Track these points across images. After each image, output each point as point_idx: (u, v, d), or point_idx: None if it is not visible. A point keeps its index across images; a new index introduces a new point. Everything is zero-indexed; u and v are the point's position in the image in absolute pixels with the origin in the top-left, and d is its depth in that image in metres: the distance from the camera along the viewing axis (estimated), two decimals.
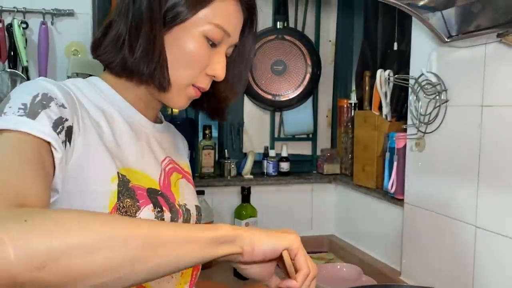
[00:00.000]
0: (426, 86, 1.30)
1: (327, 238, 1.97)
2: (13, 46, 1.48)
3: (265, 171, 1.93)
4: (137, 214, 0.71)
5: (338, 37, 2.07)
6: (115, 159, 0.72)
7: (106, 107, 0.76)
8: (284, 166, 1.93)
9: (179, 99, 0.79)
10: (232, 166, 1.85)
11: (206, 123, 1.88)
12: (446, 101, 1.23)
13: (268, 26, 1.92)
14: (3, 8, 1.50)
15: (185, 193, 0.86)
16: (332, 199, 2.00)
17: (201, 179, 1.82)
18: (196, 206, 0.88)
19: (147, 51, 0.72)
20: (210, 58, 0.77)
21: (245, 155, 1.94)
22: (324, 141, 2.09)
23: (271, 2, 1.95)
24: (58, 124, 0.64)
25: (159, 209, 0.74)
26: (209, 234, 0.57)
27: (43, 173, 0.60)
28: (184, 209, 0.82)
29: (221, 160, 1.89)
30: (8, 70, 1.49)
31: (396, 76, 1.48)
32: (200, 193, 1.70)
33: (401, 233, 1.45)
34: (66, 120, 0.65)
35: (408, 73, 1.39)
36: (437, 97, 1.25)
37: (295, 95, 1.88)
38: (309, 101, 1.99)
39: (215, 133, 1.96)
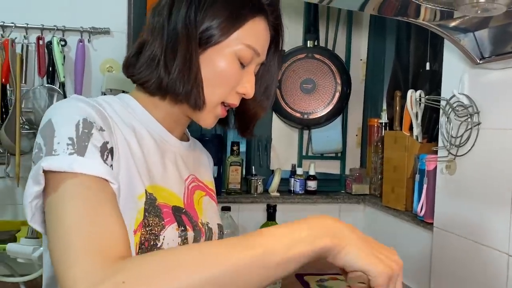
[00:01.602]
0: (457, 108, 1.27)
1: None
2: (51, 62, 1.55)
3: (292, 189, 1.92)
4: (161, 233, 0.72)
5: (369, 56, 2.06)
6: (142, 176, 0.73)
7: (136, 124, 0.77)
8: (312, 184, 1.92)
9: (209, 117, 0.80)
10: (259, 183, 1.85)
11: (234, 139, 1.89)
12: (478, 124, 1.19)
13: (299, 45, 1.93)
14: (44, 27, 1.57)
15: (208, 211, 0.87)
16: (360, 220, 1.96)
17: (227, 195, 1.83)
18: (218, 224, 0.88)
19: (183, 71, 0.74)
20: (240, 76, 0.79)
21: (273, 172, 1.93)
22: (353, 160, 2.07)
23: (302, 22, 1.96)
24: (103, 151, 0.66)
25: (183, 228, 0.75)
26: (310, 248, 0.57)
27: (116, 208, 0.63)
28: (206, 228, 0.83)
29: (248, 176, 1.89)
30: (46, 85, 1.56)
31: (427, 96, 1.45)
32: (226, 209, 1.71)
33: (430, 257, 1.41)
34: (107, 142, 0.67)
35: (439, 94, 1.37)
36: (469, 119, 1.22)
37: (324, 113, 1.87)
38: (338, 120, 1.97)
39: (243, 150, 1.97)
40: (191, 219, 0.79)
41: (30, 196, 0.62)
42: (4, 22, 1.54)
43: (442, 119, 1.34)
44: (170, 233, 0.72)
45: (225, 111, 0.82)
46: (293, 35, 1.94)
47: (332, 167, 2.06)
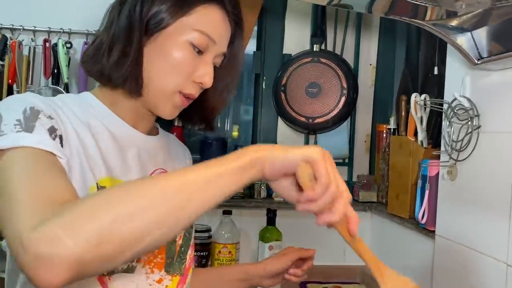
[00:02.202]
0: (459, 111, 1.22)
1: (360, 269, 1.88)
2: (57, 64, 1.58)
3: None
4: None
5: (379, 61, 2.02)
6: (95, 170, 0.73)
7: (92, 121, 0.77)
8: None
9: (165, 107, 0.80)
10: (262, 187, 1.83)
11: (238, 143, 1.88)
12: (479, 127, 1.15)
13: (306, 49, 1.91)
14: (51, 29, 1.61)
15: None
16: (367, 228, 1.91)
17: (230, 198, 1.81)
18: None
19: (121, 57, 0.74)
20: (197, 65, 0.78)
21: None
22: (361, 167, 2.02)
23: (309, 26, 1.95)
24: (52, 132, 0.67)
25: None
26: (235, 165, 0.60)
27: (62, 173, 0.63)
28: None
29: None
30: (51, 86, 1.59)
31: (428, 100, 1.41)
32: (227, 212, 1.70)
33: (432, 267, 1.35)
34: (56, 129, 0.68)
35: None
36: (469, 122, 1.17)
37: (329, 117, 1.84)
38: (345, 125, 1.93)
39: None
40: None
41: None
42: (13, 25, 1.59)
43: (444, 123, 1.29)
44: None
45: (185, 101, 0.80)
46: (300, 39, 1.93)
47: (340, 173, 2.01)
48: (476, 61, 1.07)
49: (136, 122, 0.83)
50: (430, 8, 0.95)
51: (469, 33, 1.06)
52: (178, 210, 0.56)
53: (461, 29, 1.06)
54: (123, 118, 0.81)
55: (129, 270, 0.77)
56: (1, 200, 0.58)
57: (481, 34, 1.04)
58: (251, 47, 1.97)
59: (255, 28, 1.94)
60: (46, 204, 0.55)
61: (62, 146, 0.68)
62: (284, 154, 0.61)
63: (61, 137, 0.68)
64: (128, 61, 0.74)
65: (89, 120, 0.77)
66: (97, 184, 0.73)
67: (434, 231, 1.34)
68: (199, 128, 0.95)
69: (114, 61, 0.74)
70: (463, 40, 1.06)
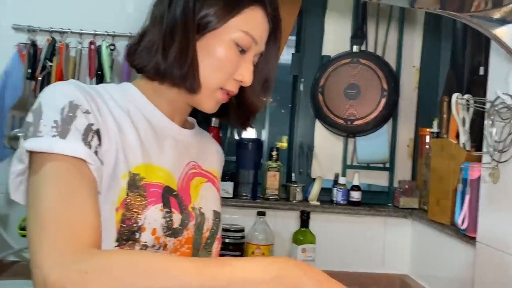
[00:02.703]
0: (501, 110, 1.15)
1: (399, 278, 1.80)
2: (101, 65, 1.65)
3: (334, 199, 1.84)
4: (143, 212, 0.73)
5: (423, 62, 1.95)
6: (132, 156, 0.75)
7: (132, 108, 0.79)
8: (355, 195, 1.83)
9: (208, 102, 0.82)
10: (298, 190, 1.81)
11: (274, 144, 1.87)
12: None
13: (346, 50, 1.88)
14: (96, 32, 1.69)
15: (205, 198, 0.86)
16: (407, 236, 1.84)
17: (265, 200, 1.80)
18: (214, 211, 0.87)
19: (179, 56, 0.76)
20: (238, 64, 0.81)
21: (314, 180, 1.88)
22: (403, 172, 1.95)
23: (350, 27, 1.92)
24: (87, 132, 0.69)
25: (167, 210, 0.75)
26: (260, 278, 0.57)
27: (90, 196, 0.66)
28: (198, 212, 0.82)
29: (287, 183, 1.86)
30: None
31: (469, 99, 1.34)
32: (261, 213, 1.69)
33: (473, 276, 1.27)
34: (93, 124, 0.70)
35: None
36: None
37: (368, 120, 1.79)
38: (385, 129, 1.88)
39: (284, 156, 1.94)
40: (181, 202, 0.79)
41: (13, 174, 0.68)
42: (61, 28, 1.68)
43: (486, 123, 1.22)
44: (152, 213, 0.73)
45: (226, 97, 0.83)
46: (340, 40, 1.90)
47: (380, 179, 1.96)
48: None
49: (173, 114, 0.85)
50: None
51: (510, 25, 0.99)
52: None
53: (502, 21, 1.00)
54: (160, 109, 0.83)
55: None
56: (32, 214, 0.63)
57: None
58: (290, 49, 1.97)
59: (295, 29, 1.93)
60: (75, 246, 0.59)
61: (99, 138, 0.70)
62: None
63: (98, 132, 0.70)
64: (188, 61, 0.76)
65: (128, 107, 0.79)
66: (129, 172, 0.74)
67: (475, 238, 1.27)
68: (236, 126, 0.96)
69: (174, 60, 0.76)
70: (503, 32, 1.00)
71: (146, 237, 0.72)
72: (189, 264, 0.58)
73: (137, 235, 0.72)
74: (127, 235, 0.71)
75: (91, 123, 0.70)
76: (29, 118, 0.69)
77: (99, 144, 0.70)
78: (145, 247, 0.73)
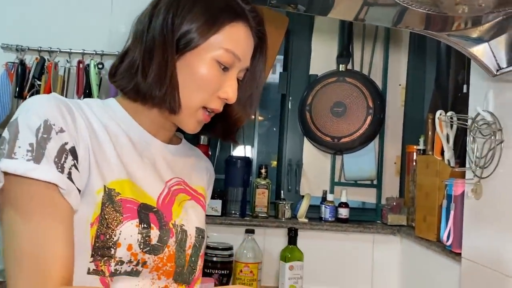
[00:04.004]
0: (482, 126, 1.17)
1: None
2: (89, 84, 1.67)
3: (322, 216, 1.85)
4: (117, 228, 0.72)
5: (408, 81, 1.98)
6: (108, 173, 0.75)
7: (111, 125, 0.80)
8: (343, 212, 1.84)
9: (189, 121, 0.82)
10: (287, 207, 1.81)
11: (263, 162, 1.88)
12: (502, 142, 1.09)
13: (332, 69, 1.91)
14: (85, 51, 1.71)
15: (188, 214, 0.86)
16: (396, 253, 1.84)
17: (253, 218, 1.80)
18: (198, 228, 0.87)
19: (159, 76, 0.76)
20: (222, 81, 0.80)
21: (302, 197, 1.89)
22: (391, 189, 1.96)
23: (336, 47, 1.95)
24: (61, 155, 0.69)
25: (145, 225, 0.75)
26: None
27: (61, 226, 0.68)
28: (179, 229, 0.82)
29: (276, 201, 1.86)
30: None
31: (451, 116, 1.37)
32: (249, 231, 1.69)
33: None
34: (66, 143, 0.70)
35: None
36: (493, 137, 1.12)
37: (355, 137, 1.81)
38: (371, 146, 1.90)
39: (273, 173, 1.95)
40: (161, 218, 0.79)
41: None
42: (50, 48, 1.70)
43: (468, 139, 1.24)
44: (128, 228, 0.73)
45: (207, 117, 0.83)
46: (326, 59, 1.93)
47: (368, 196, 1.97)
48: (495, 72, 1.03)
49: (156, 131, 0.85)
50: (443, 19, 0.94)
51: (486, 44, 1.02)
52: None
53: (479, 40, 1.03)
54: (143, 126, 0.83)
55: (134, 273, 0.77)
56: (6, 245, 0.67)
57: (499, 44, 1.00)
58: (278, 68, 1.99)
59: (282, 49, 1.96)
60: (41, 283, 0.64)
61: (75, 157, 0.71)
62: None
63: (73, 149, 0.71)
64: (167, 81, 0.76)
65: (108, 123, 0.79)
66: (104, 187, 0.74)
67: (460, 254, 1.27)
68: (220, 139, 0.96)
69: (152, 81, 0.76)
70: (480, 51, 1.03)
71: (121, 252, 0.72)
72: None
73: (112, 251, 0.71)
74: (102, 251, 0.71)
75: (65, 142, 0.70)
76: (5, 134, 0.69)
77: (75, 162, 0.71)
78: (120, 262, 0.72)
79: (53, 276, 0.64)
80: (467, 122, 1.28)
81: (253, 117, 1.95)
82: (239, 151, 1.97)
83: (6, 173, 0.67)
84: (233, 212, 1.80)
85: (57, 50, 1.70)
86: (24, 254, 0.65)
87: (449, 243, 1.31)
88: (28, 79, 1.66)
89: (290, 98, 1.96)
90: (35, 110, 0.71)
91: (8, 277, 0.66)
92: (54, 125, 0.70)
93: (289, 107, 1.95)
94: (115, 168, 0.76)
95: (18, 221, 0.67)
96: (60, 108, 0.72)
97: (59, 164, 0.69)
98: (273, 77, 2.02)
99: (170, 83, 0.77)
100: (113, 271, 0.73)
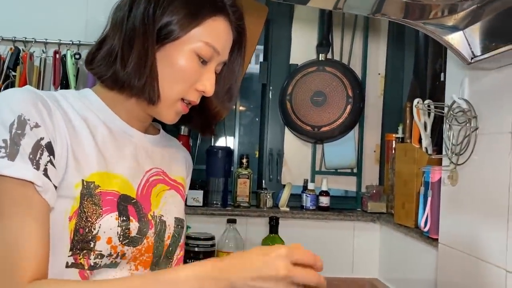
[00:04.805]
0: (458, 114, 1.19)
1: (369, 282, 1.83)
2: (65, 74, 1.64)
3: (304, 204, 1.86)
4: (97, 221, 0.72)
5: (387, 70, 2.00)
6: (86, 166, 0.74)
7: (90, 115, 0.79)
8: (324, 200, 1.85)
9: (168, 112, 0.82)
10: (268, 197, 1.82)
11: (244, 152, 1.88)
12: (476, 129, 1.11)
13: (312, 58, 1.92)
14: (61, 41, 1.68)
15: (167, 205, 0.86)
16: (376, 240, 1.87)
17: (235, 208, 1.81)
18: (177, 218, 0.87)
19: (138, 65, 0.75)
20: (200, 74, 0.80)
21: (284, 187, 1.90)
22: (371, 177, 1.99)
23: (316, 36, 1.95)
24: (36, 151, 0.68)
25: (124, 218, 0.75)
26: None
27: (35, 220, 0.67)
28: (158, 220, 0.82)
29: (257, 190, 1.87)
30: None
31: (428, 104, 1.39)
32: (231, 221, 1.69)
33: (435, 277, 1.30)
34: (42, 138, 0.69)
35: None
36: (468, 124, 1.14)
37: (335, 126, 1.82)
38: (351, 135, 1.91)
39: (254, 163, 1.95)
40: (140, 210, 0.79)
41: None
42: (25, 38, 1.66)
43: (444, 126, 1.26)
44: (107, 222, 0.73)
45: (186, 108, 0.83)
46: (306, 49, 1.94)
47: (348, 184, 1.99)
48: (470, 60, 1.04)
49: (133, 121, 0.84)
50: (421, 7, 0.94)
51: (461, 32, 1.04)
52: None
53: (454, 28, 1.04)
54: (120, 117, 0.82)
55: (112, 265, 0.77)
56: None
57: (473, 32, 1.02)
58: (258, 58, 1.99)
59: (262, 39, 1.96)
60: (14, 280, 0.62)
61: (51, 152, 0.70)
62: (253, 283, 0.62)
63: (49, 144, 0.70)
64: (146, 72, 0.76)
65: (86, 114, 0.78)
66: (83, 180, 0.74)
67: (437, 240, 1.30)
68: (198, 132, 0.96)
69: (132, 70, 0.75)
70: (455, 39, 1.04)
71: (101, 246, 0.72)
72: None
73: (92, 244, 0.71)
74: (81, 244, 0.71)
75: (40, 137, 0.69)
76: None
77: (52, 158, 0.70)
78: (100, 256, 0.72)
79: (22, 275, 0.63)
80: (443, 110, 1.30)
81: (234, 107, 1.95)
82: (221, 141, 1.97)
83: None
84: (214, 202, 1.80)
85: (33, 40, 1.67)
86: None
87: (426, 229, 1.34)
88: (3, 70, 1.62)
89: (271, 88, 1.96)
90: (9, 104, 0.69)
91: None
92: (29, 120, 0.69)
93: (270, 97, 1.96)
94: (94, 160, 0.75)
95: None
96: (35, 102, 0.71)
97: (34, 161, 0.67)
98: (255, 67, 2.02)
99: (150, 73, 0.76)
100: (92, 264, 0.73)
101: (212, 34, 0.79)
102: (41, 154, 0.68)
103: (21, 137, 0.67)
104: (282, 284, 0.62)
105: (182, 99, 0.81)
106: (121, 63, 0.76)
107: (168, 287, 0.63)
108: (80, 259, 0.72)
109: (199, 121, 0.91)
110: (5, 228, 0.65)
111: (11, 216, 0.65)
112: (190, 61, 0.78)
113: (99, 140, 0.77)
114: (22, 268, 0.63)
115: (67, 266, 0.71)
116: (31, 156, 0.67)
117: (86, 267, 0.74)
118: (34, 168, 0.67)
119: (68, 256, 0.70)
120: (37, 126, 0.69)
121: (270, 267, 0.62)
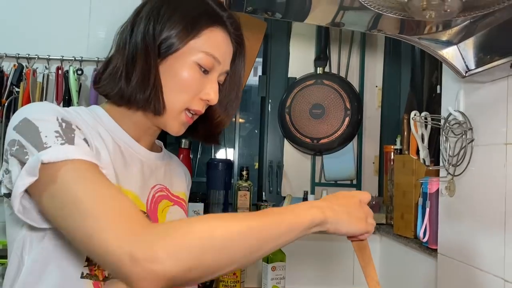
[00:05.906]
0: (454, 126, 1.22)
1: None
2: (68, 90, 1.66)
3: None
4: None
5: (384, 82, 2.03)
6: (109, 177, 0.76)
7: (101, 131, 0.81)
8: None
9: (174, 123, 0.84)
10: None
11: (244, 164, 1.90)
12: (472, 140, 1.14)
13: (310, 72, 1.95)
14: (63, 58, 1.70)
15: (171, 219, 0.88)
16: (376, 251, 1.87)
17: None
18: None
19: (142, 79, 0.79)
20: (203, 84, 0.83)
21: (284, 198, 1.91)
22: (370, 188, 2.01)
23: (314, 50, 1.99)
24: (86, 141, 0.72)
25: None
26: (306, 221, 0.69)
27: (117, 188, 0.69)
28: None
29: (258, 202, 1.88)
30: None
31: (425, 116, 1.41)
32: None
33: (435, 287, 1.32)
34: (84, 139, 0.72)
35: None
36: (464, 136, 1.17)
37: (333, 138, 1.85)
38: (350, 147, 1.94)
39: (254, 175, 1.97)
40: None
41: (22, 187, 0.65)
42: (29, 54, 1.69)
43: (441, 138, 1.28)
44: None
45: (190, 119, 0.85)
46: (304, 63, 1.97)
47: None
48: (464, 74, 1.07)
49: (140, 137, 0.86)
50: (416, 23, 0.97)
51: (455, 46, 1.07)
52: (254, 252, 0.65)
53: (448, 43, 1.07)
54: (127, 132, 0.85)
55: None
56: (78, 216, 0.62)
57: (467, 46, 1.05)
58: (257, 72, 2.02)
59: (261, 53, 1.99)
60: (134, 223, 0.61)
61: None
62: (349, 226, 0.78)
63: (91, 147, 0.73)
64: (150, 84, 0.79)
65: (98, 129, 0.81)
66: None
67: (436, 250, 1.31)
68: (202, 142, 0.99)
69: (136, 85, 0.78)
70: (449, 53, 1.07)
71: None
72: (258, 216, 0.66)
73: None
74: None
75: (84, 137, 0.72)
76: (17, 136, 0.67)
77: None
78: None
79: (140, 218, 0.62)
80: (440, 122, 1.32)
81: (234, 119, 1.98)
82: (221, 154, 1.99)
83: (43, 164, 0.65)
84: None
85: (36, 56, 1.69)
86: (99, 207, 0.62)
87: (425, 239, 1.35)
88: (6, 86, 1.64)
89: (270, 100, 1.99)
90: (45, 109, 0.72)
91: (88, 239, 0.60)
92: (70, 121, 0.71)
93: (269, 109, 1.98)
94: (111, 173, 0.77)
95: (77, 186, 0.63)
96: (67, 112, 0.74)
97: (89, 147, 0.71)
98: (254, 79, 2.05)
99: (154, 86, 0.79)
100: (106, 275, 0.75)
101: (211, 44, 0.82)
102: (90, 146, 0.72)
103: (72, 131, 0.70)
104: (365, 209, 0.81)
105: (188, 110, 0.83)
106: (125, 79, 0.79)
107: (296, 214, 0.69)
108: (95, 270, 0.73)
109: (203, 131, 0.94)
110: (102, 187, 0.65)
111: (96, 181, 0.65)
112: (192, 72, 0.81)
113: (111, 156, 0.80)
114: (138, 216, 0.62)
115: (82, 276, 0.73)
116: (86, 143, 0.71)
117: (100, 279, 0.76)
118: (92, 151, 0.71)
119: (84, 267, 0.72)
120: (78, 127, 0.72)
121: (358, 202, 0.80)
